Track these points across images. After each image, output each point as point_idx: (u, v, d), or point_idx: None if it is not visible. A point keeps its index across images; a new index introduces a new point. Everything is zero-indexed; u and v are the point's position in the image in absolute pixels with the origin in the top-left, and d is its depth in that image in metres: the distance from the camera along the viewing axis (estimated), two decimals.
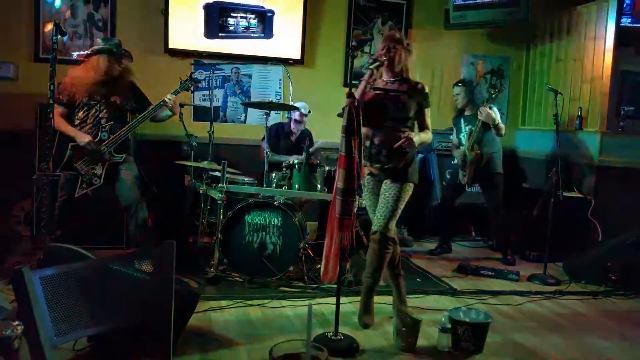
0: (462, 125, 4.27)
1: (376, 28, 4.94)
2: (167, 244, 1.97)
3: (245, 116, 4.92)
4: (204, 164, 3.94)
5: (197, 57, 4.61)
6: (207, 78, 4.65)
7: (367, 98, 2.49)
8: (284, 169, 3.69)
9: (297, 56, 4.82)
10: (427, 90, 2.57)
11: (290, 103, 4.31)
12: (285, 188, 3.62)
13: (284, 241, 3.30)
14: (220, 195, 3.42)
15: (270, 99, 4.06)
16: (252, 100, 4.84)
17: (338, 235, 2.25)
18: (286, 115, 4.51)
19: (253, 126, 4.91)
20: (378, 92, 2.52)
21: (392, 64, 2.48)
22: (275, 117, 4.62)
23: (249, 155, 4.71)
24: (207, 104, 4.60)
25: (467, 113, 4.28)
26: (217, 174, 3.80)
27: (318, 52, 4.91)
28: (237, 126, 4.94)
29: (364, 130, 2.53)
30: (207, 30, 4.55)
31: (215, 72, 4.57)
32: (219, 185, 3.44)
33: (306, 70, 4.87)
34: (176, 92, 3.53)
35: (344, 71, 5.03)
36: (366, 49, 4.98)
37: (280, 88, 4.92)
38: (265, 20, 4.64)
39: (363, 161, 2.50)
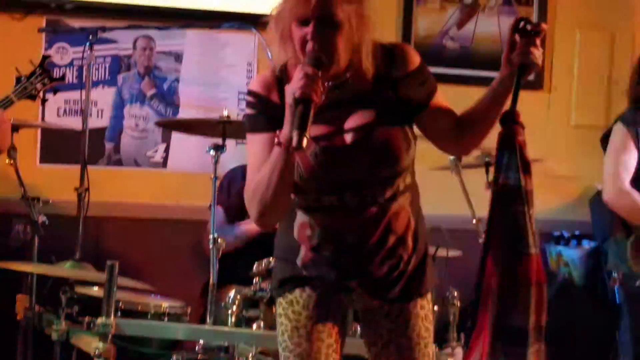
0: None
1: None
2: None
3: (166, 151, 5.00)
4: (64, 270, 3.94)
5: (54, 14, 4.72)
6: (75, 61, 4.74)
7: (306, 158, 2.61)
8: (257, 277, 3.76)
9: None
10: (416, 57, 2.67)
11: None
12: (260, 326, 3.66)
13: None
14: (101, 345, 3.36)
15: (226, 111, 4.07)
16: (182, 114, 4.95)
17: None
18: None
19: (184, 176, 4.98)
20: (320, 128, 2.63)
21: (331, 62, 2.56)
22: (238, 153, 4.63)
23: (173, 245, 4.73)
24: (74, 122, 4.66)
25: None
26: (96, 291, 3.83)
27: None
28: (145, 175, 5.02)
29: (301, 217, 2.71)
30: None
31: (95, 46, 4.56)
32: (100, 320, 3.39)
33: None
34: (5, 104, 3.57)
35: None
36: None
37: (248, 83, 4.97)
38: None
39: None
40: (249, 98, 2.65)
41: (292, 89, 2.40)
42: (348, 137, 2.59)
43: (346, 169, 2.60)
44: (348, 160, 2.60)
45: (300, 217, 2.68)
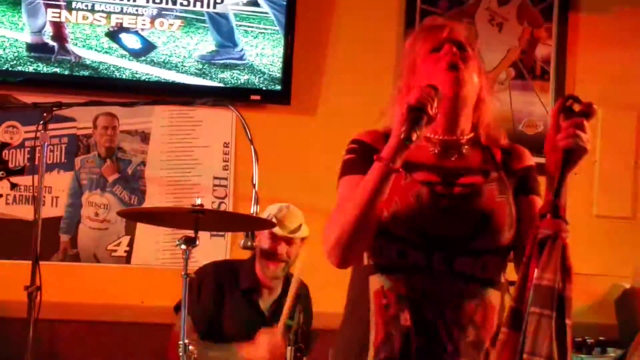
0: None
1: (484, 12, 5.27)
2: None
3: (130, 244, 4.92)
4: None
5: (3, 89, 4.85)
6: (27, 142, 4.70)
7: (407, 198, 2.64)
8: None
9: (275, 84, 5.04)
10: (532, 159, 2.82)
11: (253, 209, 4.27)
12: None
13: None
14: None
15: (199, 199, 3.88)
16: (149, 202, 4.89)
17: None
18: (242, 243, 4.36)
19: (150, 273, 4.92)
20: (418, 175, 2.71)
21: (455, 105, 2.72)
22: (213, 248, 4.58)
23: (137, 352, 4.65)
24: (25, 211, 4.65)
25: None
26: None
27: (331, 77, 5.12)
28: (105, 271, 4.96)
29: (376, 284, 2.67)
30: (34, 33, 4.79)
31: (50, 125, 4.29)
32: None
33: (296, 121, 5.05)
34: None
35: None
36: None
37: (226, 169, 5.07)
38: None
39: None
40: (352, 145, 2.73)
41: (406, 100, 2.51)
42: (456, 189, 2.64)
43: (443, 223, 2.60)
44: (448, 213, 2.61)
45: (377, 282, 2.63)
